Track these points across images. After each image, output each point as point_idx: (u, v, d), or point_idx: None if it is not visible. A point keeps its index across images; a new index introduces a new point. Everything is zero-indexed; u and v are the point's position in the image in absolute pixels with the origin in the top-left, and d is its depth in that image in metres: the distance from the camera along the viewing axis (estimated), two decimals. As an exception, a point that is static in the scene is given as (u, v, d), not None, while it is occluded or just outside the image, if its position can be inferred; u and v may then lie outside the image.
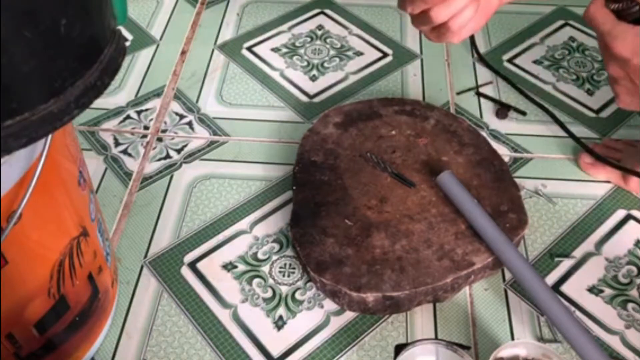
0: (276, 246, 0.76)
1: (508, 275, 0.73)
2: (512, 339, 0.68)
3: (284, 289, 0.72)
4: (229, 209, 0.80)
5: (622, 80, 0.66)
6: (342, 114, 0.85)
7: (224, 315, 0.70)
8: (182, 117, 0.92)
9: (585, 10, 0.67)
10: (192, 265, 0.75)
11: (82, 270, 0.59)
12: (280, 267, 0.74)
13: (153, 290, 0.73)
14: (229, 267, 0.74)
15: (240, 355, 0.67)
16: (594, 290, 0.72)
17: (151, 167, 0.85)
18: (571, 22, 1.06)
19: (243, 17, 1.09)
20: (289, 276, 0.73)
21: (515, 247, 0.69)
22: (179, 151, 0.87)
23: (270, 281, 0.73)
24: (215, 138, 0.89)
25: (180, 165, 0.85)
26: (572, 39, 1.03)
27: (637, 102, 0.67)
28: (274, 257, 0.75)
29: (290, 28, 1.06)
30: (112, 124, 0.91)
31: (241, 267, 0.74)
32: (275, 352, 0.67)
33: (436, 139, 0.81)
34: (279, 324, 0.69)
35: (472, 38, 1.01)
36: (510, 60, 0.99)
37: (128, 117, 0.92)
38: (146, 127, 0.90)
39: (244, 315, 0.70)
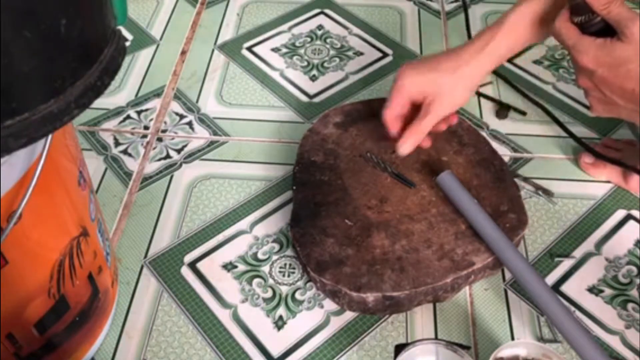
0: (276, 246, 0.76)
1: (508, 275, 0.73)
2: (512, 339, 0.68)
3: (284, 289, 0.72)
4: (229, 209, 0.80)
5: (591, 91, 0.68)
6: (342, 114, 0.85)
7: (224, 315, 0.70)
8: (182, 117, 0.92)
9: (551, 26, 0.68)
10: (192, 265, 0.75)
11: (82, 270, 0.59)
12: (280, 267, 0.74)
13: (153, 290, 0.73)
14: (229, 267, 0.74)
15: (240, 355, 0.67)
16: (594, 290, 0.72)
17: (151, 167, 0.85)
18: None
19: (243, 17, 1.09)
20: (289, 276, 0.73)
21: (515, 247, 0.69)
22: (179, 151, 0.87)
23: (270, 281, 0.73)
24: (215, 138, 0.89)
25: (180, 165, 0.85)
26: (572, 39, 1.03)
27: (609, 110, 0.69)
28: (274, 257, 0.75)
29: (290, 28, 1.06)
30: (112, 124, 0.91)
31: (241, 267, 0.74)
32: (275, 352, 0.67)
33: (436, 139, 0.81)
34: (279, 324, 0.69)
35: (469, 33, 1.01)
36: (509, 60, 0.99)
37: (128, 117, 0.92)
38: (146, 127, 0.90)
39: (244, 315, 0.70)
